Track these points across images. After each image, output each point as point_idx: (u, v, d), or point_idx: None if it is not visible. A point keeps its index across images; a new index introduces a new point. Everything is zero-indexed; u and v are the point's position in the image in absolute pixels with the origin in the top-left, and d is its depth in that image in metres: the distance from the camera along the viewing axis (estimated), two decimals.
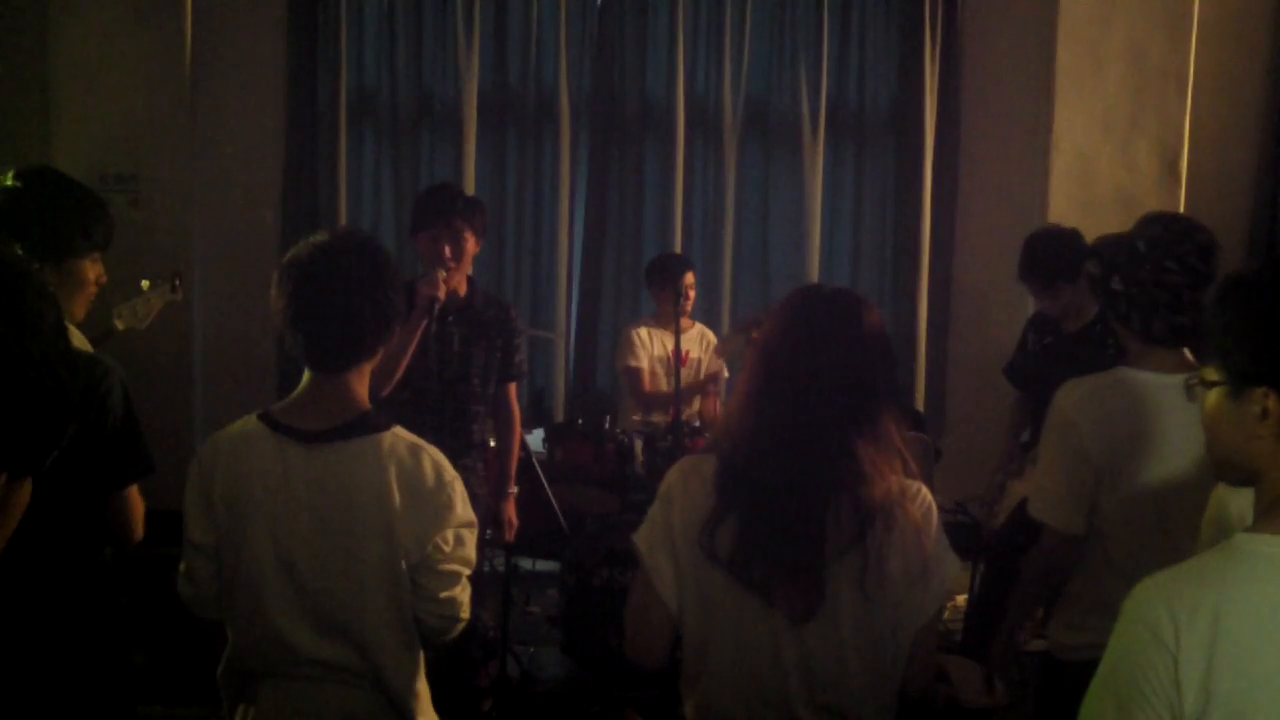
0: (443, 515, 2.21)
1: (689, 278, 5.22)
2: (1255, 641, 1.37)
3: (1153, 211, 2.75)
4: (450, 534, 2.22)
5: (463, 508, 2.23)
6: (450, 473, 2.24)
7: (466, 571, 2.27)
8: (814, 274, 6.11)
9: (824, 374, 2.02)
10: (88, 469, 2.41)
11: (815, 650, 2.02)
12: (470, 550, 2.27)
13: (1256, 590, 1.40)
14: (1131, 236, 2.62)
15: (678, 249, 5.98)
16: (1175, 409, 2.56)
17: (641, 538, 2.11)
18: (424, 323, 3.70)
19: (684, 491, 2.09)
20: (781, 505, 2.00)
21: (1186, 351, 2.65)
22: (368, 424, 2.21)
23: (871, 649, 2.04)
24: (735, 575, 2.00)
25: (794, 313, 2.11)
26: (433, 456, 2.24)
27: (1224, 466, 1.62)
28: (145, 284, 3.17)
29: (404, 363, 3.65)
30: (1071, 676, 2.62)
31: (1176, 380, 2.62)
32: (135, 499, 2.53)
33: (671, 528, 2.07)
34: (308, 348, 2.21)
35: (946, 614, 4.53)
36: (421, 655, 2.31)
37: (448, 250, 3.78)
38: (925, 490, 2.11)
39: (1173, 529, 2.43)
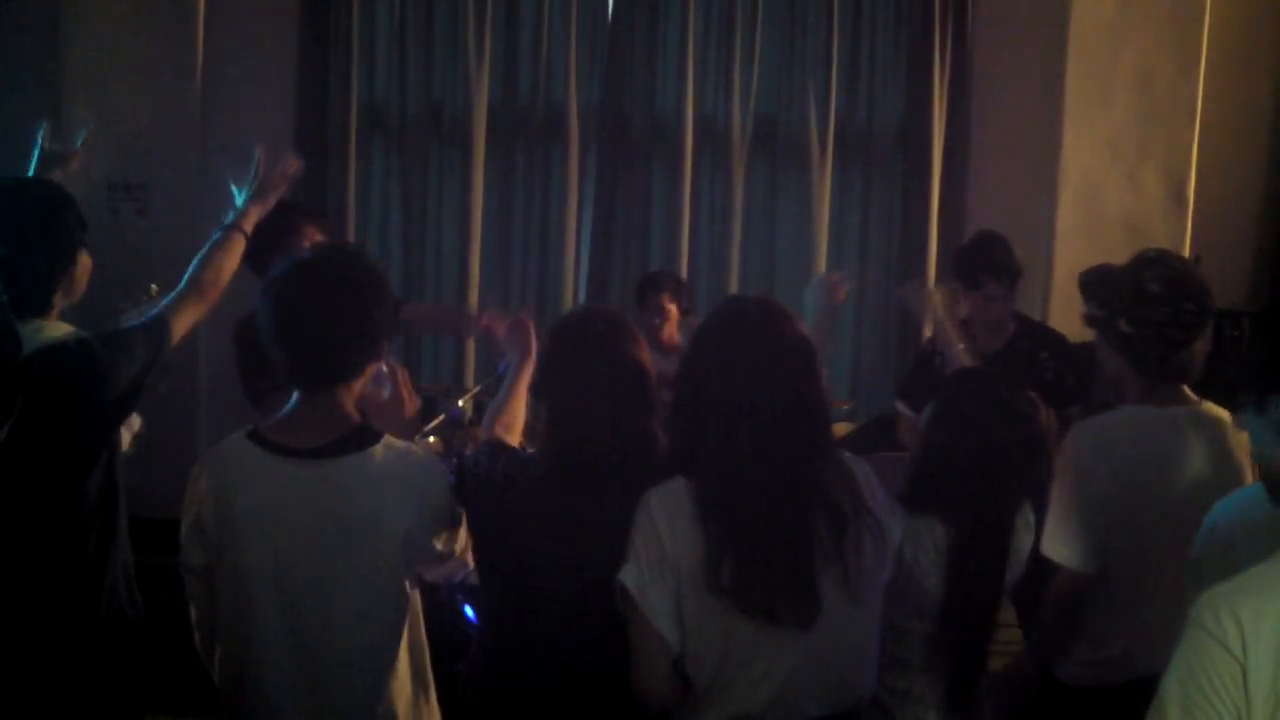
0: (441, 518, 2.23)
1: (664, 298, 5.02)
2: None
3: (1149, 251, 2.72)
4: (445, 534, 2.25)
5: (455, 506, 2.26)
6: (444, 475, 2.26)
7: (467, 556, 2.31)
8: None
9: (775, 385, 2.04)
10: (95, 446, 2.42)
11: (820, 650, 2.05)
12: (463, 539, 2.30)
13: None
14: (1138, 278, 2.62)
15: (684, 266, 5.98)
16: (1182, 444, 2.59)
17: (630, 577, 2.02)
18: None
19: (670, 525, 2.03)
20: (770, 527, 2.01)
21: (1185, 387, 2.68)
22: (360, 439, 2.19)
23: (859, 648, 2.14)
24: (740, 607, 1.99)
25: (731, 324, 2.15)
26: (425, 461, 2.25)
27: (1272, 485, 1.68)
28: (154, 289, 3.16)
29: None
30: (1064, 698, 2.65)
31: (1179, 414, 2.64)
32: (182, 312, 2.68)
33: (665, 563, 2.01)
34: (290, 365, 2.18)
35: None
36: (402, 679, 2.26)
37: None
38: (883, 493, 2.20)
39: (1172, 563, 2.39)
